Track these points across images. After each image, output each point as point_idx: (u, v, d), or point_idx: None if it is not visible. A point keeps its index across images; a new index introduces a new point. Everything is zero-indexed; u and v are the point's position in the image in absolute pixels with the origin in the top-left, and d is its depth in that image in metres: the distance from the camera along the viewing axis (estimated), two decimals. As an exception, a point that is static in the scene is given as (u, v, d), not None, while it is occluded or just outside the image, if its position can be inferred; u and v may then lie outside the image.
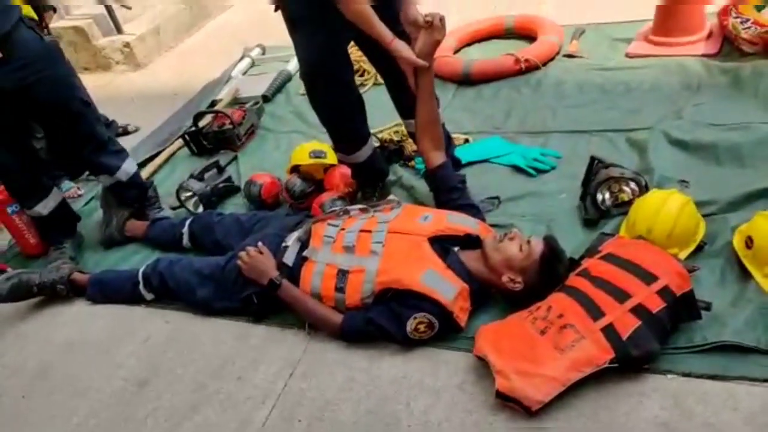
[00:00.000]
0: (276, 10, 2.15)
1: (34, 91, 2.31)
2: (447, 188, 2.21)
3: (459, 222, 2.03)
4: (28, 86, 2.28)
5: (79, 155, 2.64)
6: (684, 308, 1.66)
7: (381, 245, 1.94)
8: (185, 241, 2.53)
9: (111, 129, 3.43)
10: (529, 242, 1.86)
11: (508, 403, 1.60)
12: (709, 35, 3.13)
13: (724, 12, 2.99)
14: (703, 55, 3.03)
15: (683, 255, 1.92)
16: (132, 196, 2.74)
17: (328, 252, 2.01)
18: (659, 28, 3.20)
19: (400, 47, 2.02)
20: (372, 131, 2.84)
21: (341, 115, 2.34)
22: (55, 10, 3.23)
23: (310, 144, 2.77)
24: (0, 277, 2.42)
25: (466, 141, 2.87)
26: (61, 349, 2.27)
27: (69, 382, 2.12)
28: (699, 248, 1.95)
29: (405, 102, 2.31)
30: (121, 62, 4.99)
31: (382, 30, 1.99)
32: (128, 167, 2.70)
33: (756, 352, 1.60)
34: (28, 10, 2.89)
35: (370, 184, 2.60)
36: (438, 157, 2.22)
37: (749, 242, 1.82)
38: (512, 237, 1.89)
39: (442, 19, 2.00)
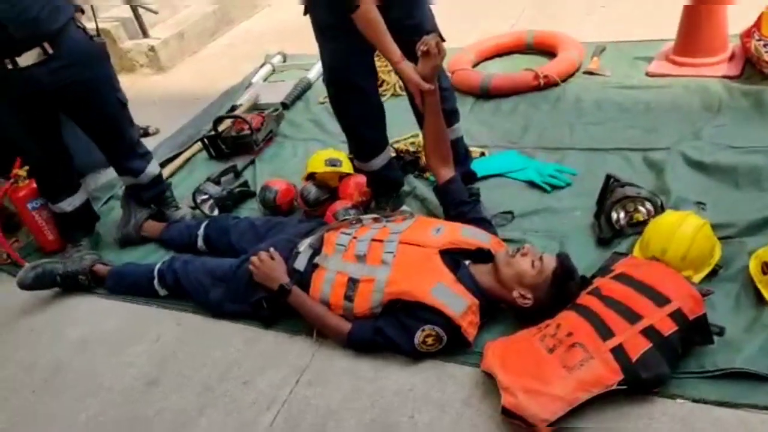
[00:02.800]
0: (305, 13, 2.19)
1: (76, 89, 2.37)
2: (456, 202, 2.23)
3: (471, 236, 2.03)
4: (72, 84, 2.35)
5: (108, 154, 2.70)
6: (696, 332, 1.64)
7: (392, 255, 1.94)
8: (200, 243, 2.55)
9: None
10: (541, 259, 1.85)
11: (513, 420, 1.59)
12: (732, 57, 3.10)
13: (747, 34, 2.96)
14: (725, 77, 3.00)
15: (698, 278, 1.89)
16: (149, 197, 2.79)
17: (340, 260, 2.02)
18: (681, 48, 3.18)
19: (407, 69, 2.04)
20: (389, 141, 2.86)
21: (361, 122, 2.36)
22: (82, 11, 3.30)
23: (326, 152, 2.79)
24: (26, 266, 2.49)
25: (482, 154, 2.87)
26: (74, 346, 2.30)
27: (80, 379, 2.15)
28: (714, 272, 1.93)
29: None
30: (145, 65, 5.06)
31: (392, 49, 2.01)
32: (152, 169, 2.76)
33: (769, 381, 1.57)
34: None
35: (384, 194, 2.61)
36: (447, 173, 2.24)
37: (765, 267, 1.80)
38: (525, 253, 1.88)
39: (438, 44, 2.00)
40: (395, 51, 2.02)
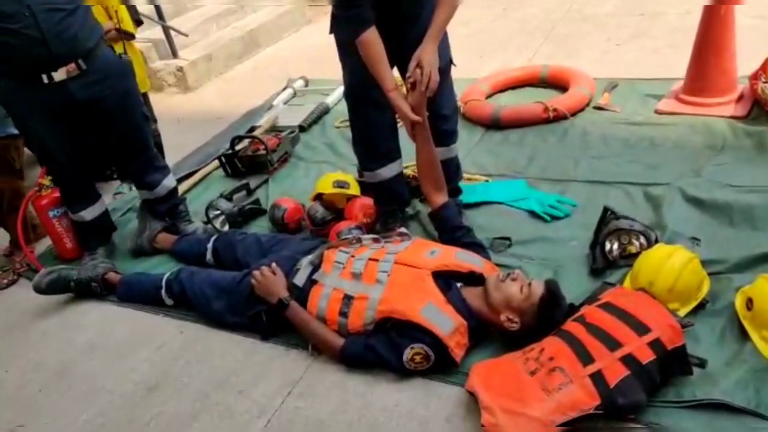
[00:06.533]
0: (330, 32, 2.33)
1: (105, 102, 2.52)
2: (450, 227, 2.31)
3: (465, 259, 2.09)
4: (102, 98, 2.50)
5: (128, 166, 2.83)
6: (675, 362, 1.67)
7: (386, 275, 2.01)
8: (208, 256, 2.64)
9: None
10: (530, 285, 1.90)
11: (491, 439, 1.63)
12: (740, 98, 3.14)
13: (755, 77, 3.01)
14: (731, 117, 3.04)
15: (684, 311, 1.93)
16: (163, 210, 2.90)
17: (337, 277, 2.09)
18: (689, 88, 3.23)
19: (397, 99, 2.16)
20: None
21: (375, 133, 2.46)
22: (140, 22, 3.50)
23: (335, 174, 2.88)
24: (42, 271, 2.63)
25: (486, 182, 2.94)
26: (82, 350, 2.40)
27: (84, 381, 2.24)
28: (701, 305, 1.95)
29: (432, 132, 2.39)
30: (173, 84, 5.27)
31: (386, 77, 2.14)
32: (168, 182, 2.88)
33: (745, 413, 1.60)
34: (127, 25, 3.18)
35: (390, 215, 2.68)
36: (440, 198, 2.33)
37: (749, 304, 1.83)
38: (514, 278, 1.93)
39: (423, 74, 2.09)
40: (389, 80, 2.14)
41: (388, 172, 2.55)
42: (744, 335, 1.83)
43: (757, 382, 1.66)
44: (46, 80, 2.36)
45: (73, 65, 2.38)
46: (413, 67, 2.11)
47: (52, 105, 2.44)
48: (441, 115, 2.38)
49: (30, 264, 2.94)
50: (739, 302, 1.90)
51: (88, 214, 2.80)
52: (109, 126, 2.62)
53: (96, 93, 2.47)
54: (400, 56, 2.24)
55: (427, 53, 2.10)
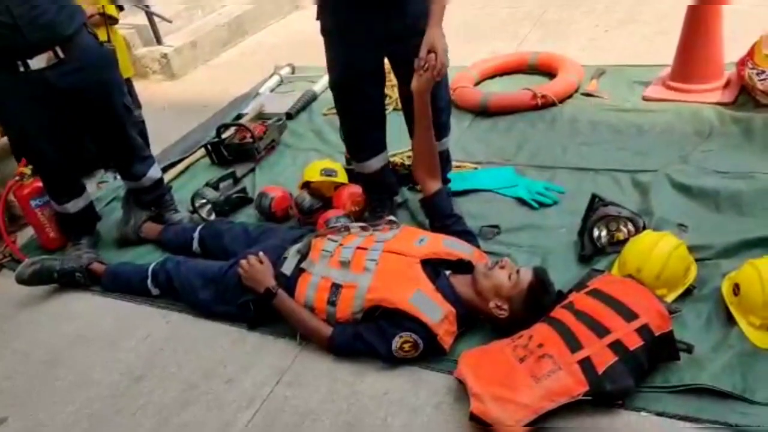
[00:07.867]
0: (317, 18, 2.29)
1: (86, 92, 2.45)
2: (442, 215, 2.30)
3: (453, 247, 2.08)
4: (82, 88, 2.42)
5: (113, 157, 2.77)
6: (663, 348, 1.68)
7: (374, 263, 2.00)
8: (195, 245, 2.61)
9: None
10: (518, 272, 1.90)
11: (481, 425, 1.63)
12: (727, 84, 3.15)
13: (742, 62, 3.01)
14: (718, 103, 3.04)
15: (671, 297, 1.93)
16: (149, 200, 2.86)
17: (325, 265, 2.08)
18: (677, 74, 3.23)
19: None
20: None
21: (362, 123, 2.44)
22: (122, 8, 3.42)
23: (322, 162, 2.86)
24: (25, 261, 2.57)
25: (475, 170, 2.93)
26: (68, 340, 2.37)
27: (71, 372, 2.22)
28: (688, 291, 1.97)
29: None
30: (157, 72, 5.18)
31: None
32: (153, 173, 2.83)
33: (731, 398, 1.61)
34: (111, 9, 3.09)
35: (378, 200, 2.67)
36: (433, 185, 2.31)
37: (736, 289, 1.84)
38: (503, 265, 1.93)
39: (438, 60, 2.05)
40: None
41: (377, 163, 2.53)
42: (730, 320, 1.84)
43: (743, 366, 1.68)
44: (22, 68, 2.29)
45: (50, 53, 2.30)
46: (425, 52, 2.06)
47: (31, 94, 2.36)
48: (437, 108, 2.34)
49: (12, 254, 2.90)
50: (725, 288, 1.91)
51: (73, 206, 2.74)
52: (91, 116, 2.55)
53: (76, 82, 2.39)
54: (389, 47, 2.21)
55: (438, 38, 2.06)
